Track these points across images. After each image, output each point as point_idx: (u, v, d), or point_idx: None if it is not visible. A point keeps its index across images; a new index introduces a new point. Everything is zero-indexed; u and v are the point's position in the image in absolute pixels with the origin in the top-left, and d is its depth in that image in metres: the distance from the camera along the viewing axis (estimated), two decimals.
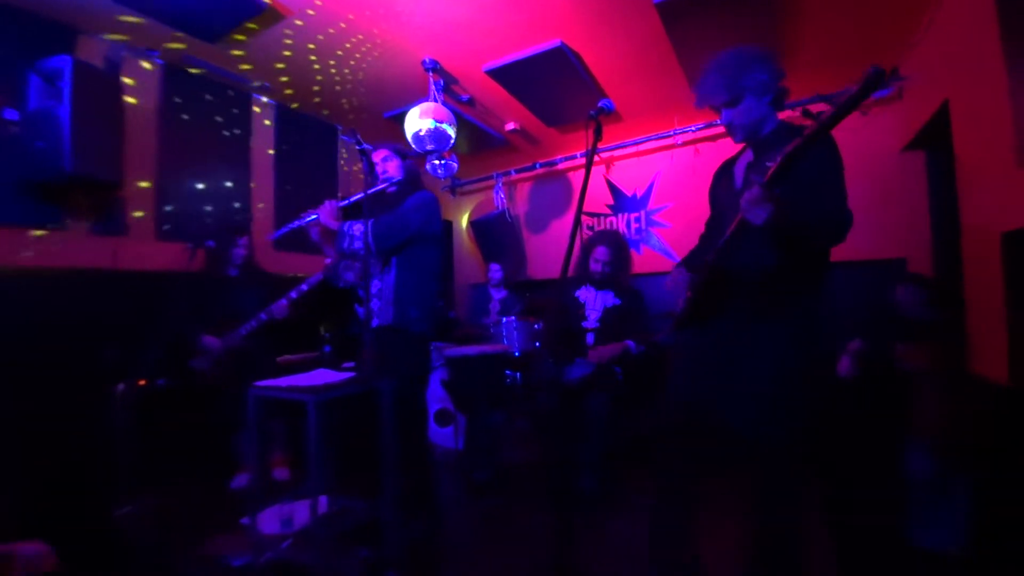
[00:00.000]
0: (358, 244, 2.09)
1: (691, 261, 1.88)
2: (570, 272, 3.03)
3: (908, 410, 2.13)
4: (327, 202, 2.13)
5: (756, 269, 1.53)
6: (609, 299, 3.02)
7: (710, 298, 1.65)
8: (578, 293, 3.10)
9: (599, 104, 1.51)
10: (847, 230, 1.43)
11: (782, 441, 1.52)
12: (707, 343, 1.71)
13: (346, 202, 2.16)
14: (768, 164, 1.38)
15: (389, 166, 2.29)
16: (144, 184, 2.82)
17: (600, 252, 3.04)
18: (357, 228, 2.11)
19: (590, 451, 2.60)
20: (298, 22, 2.56)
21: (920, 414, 2.09)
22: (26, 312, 2.36)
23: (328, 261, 2.41)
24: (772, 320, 1.52)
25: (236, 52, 2.82)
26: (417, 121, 2.88)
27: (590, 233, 4.62)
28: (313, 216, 2.14)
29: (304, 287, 2.80)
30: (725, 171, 1.78)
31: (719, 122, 1.59)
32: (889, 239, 3.28)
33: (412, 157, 2.39)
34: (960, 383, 2.11)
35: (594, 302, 3.03)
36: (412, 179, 2.31)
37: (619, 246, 3.11)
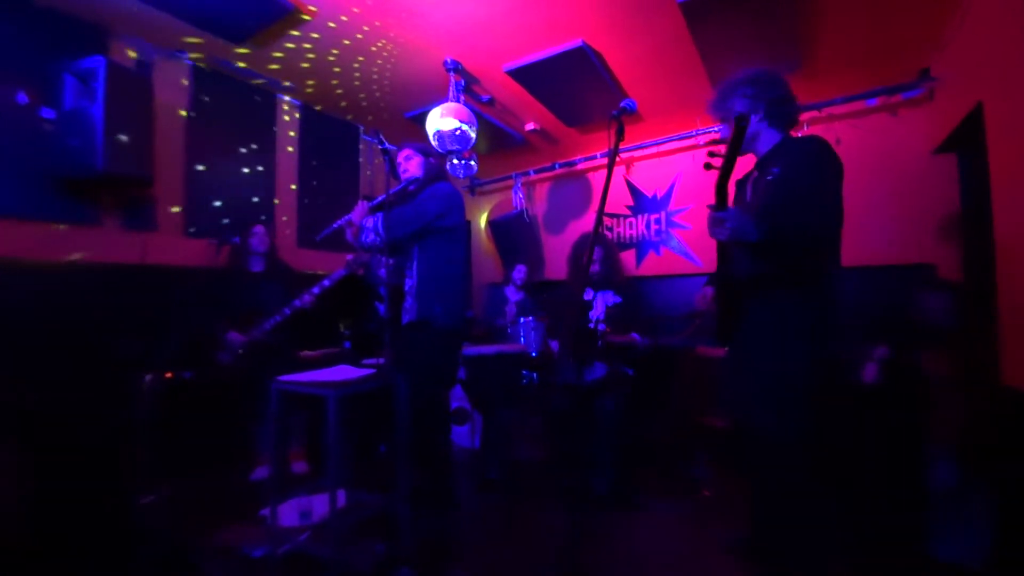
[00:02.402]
0: (368, 236, 2.14)
1: (715, 276, 1.96)
2: (571, 275, 3.06)
3: (932, 418, 2.08)
4: (360, 203, 2.18)
5: (752, 277, 1.65)
6: (609, 298, 3.01)
7: (726, 309, 1.75)
8: (584, 296, 3.10)
9: (621, 104, 1.51)
10: (830, 233, 1.54)
11: (778, 433, 1.60)
12: (731, 351, 1.85)
13: (375, 202, 2.20)
14: (768, 177, 1.59)
15: (411, 165, 2.33)
16: (172, 180, 2.90)
17: (594, 252, 3.03)
18: (370, 221, 2.16)
19: (602, 452, 2.61)
20: (326, 29, 2.60)
21: (944, 423, 2.04)
22: (58, 304, 2.44)
23: (349, 258, 2.45)
24: (768, 323, 1.61)
25: (262, 53, 2.87)
26: (438, 121, 2.90)
27: (609, 235, 4.61)
28: (348, 218, 2.19)
29: (327, 283, 2.85)
30: (740, 187, 1.89)
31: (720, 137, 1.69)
32: (918, 243, 3.20)
33: (434, 155, 2.41)
34: (986, 392, 2.05)
35: (597, 303, 3.02)
36: (434, 176, 2.32)
37: (607, 244, 3.12)
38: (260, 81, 3.22)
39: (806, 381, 1.58)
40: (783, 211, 1.49)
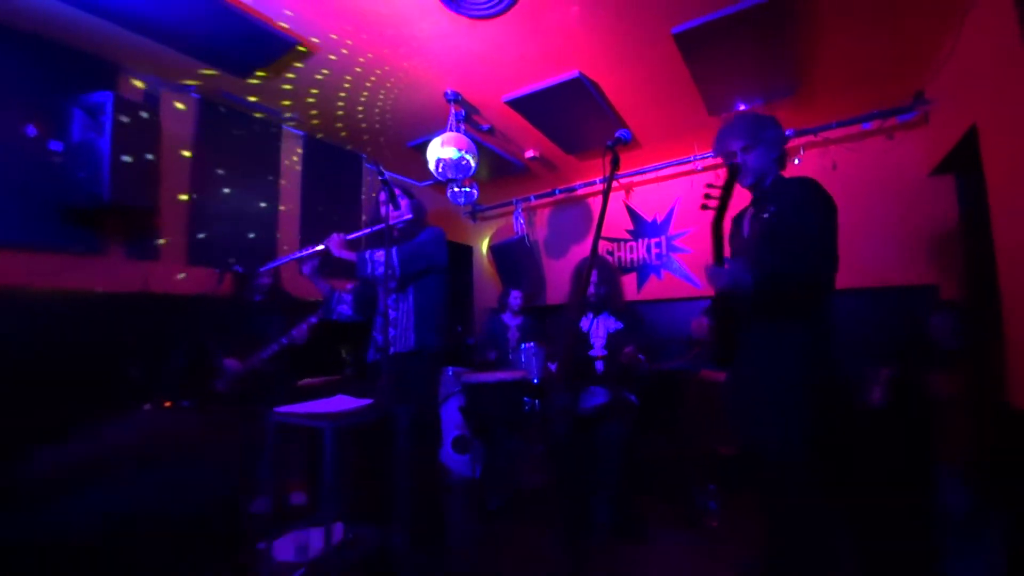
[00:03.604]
0: (379, 269, 2.18)
1: (712, 308, 2.00)
2: (571, 299, 3.06)
3: (940, 440, 2.04)
4: (334, 235, 2.25)
5: (748, 310, 1.72)
6: (611, 324, 2.99)
7: (725, 335, 1.79)
8: (581, 323, 3.07)
9: (616, 134, 1.53)
10: (825, 278, 1.62)
11: (782, 453, 1.62)
12: (731, 374, 1.90)
13: (353, 235, 2.27)
14: (764, 216, 1.70)
15: (402, 204, 2.41)
16: (177, 211, 2.93)
17: (592, 275, 3.03)
18: (378, 255, 2.20)
19: (605, 481, 2.55)
20: (328, 62, 2.67)
21: (953, 445, 2.00)
22: (62, 332, 2.44)
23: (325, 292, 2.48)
24: (772, 344, 1.68)
25: (266, 86, 2.94)
26: (439, 150, 2.94)
27: (610, 259, 4.62)
28: (321, 247, 2.25)
29: (314, 320, 2.84)
30: (737, 222, 1.97)
31: (735, 160, 1.82)
32: (920, 265, 3.19)
33: (416, 197, 2.53)
34: (995, 413, 2.01)
35: (597, 329, 3.00)
36: (420, 217, 2.45)
37: (606, 266, 3.12)
38: (264, 114, 3.29)
39: (807, 399, 1.61)
40: (781, 258, 1.60)
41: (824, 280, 1.61)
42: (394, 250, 2.19)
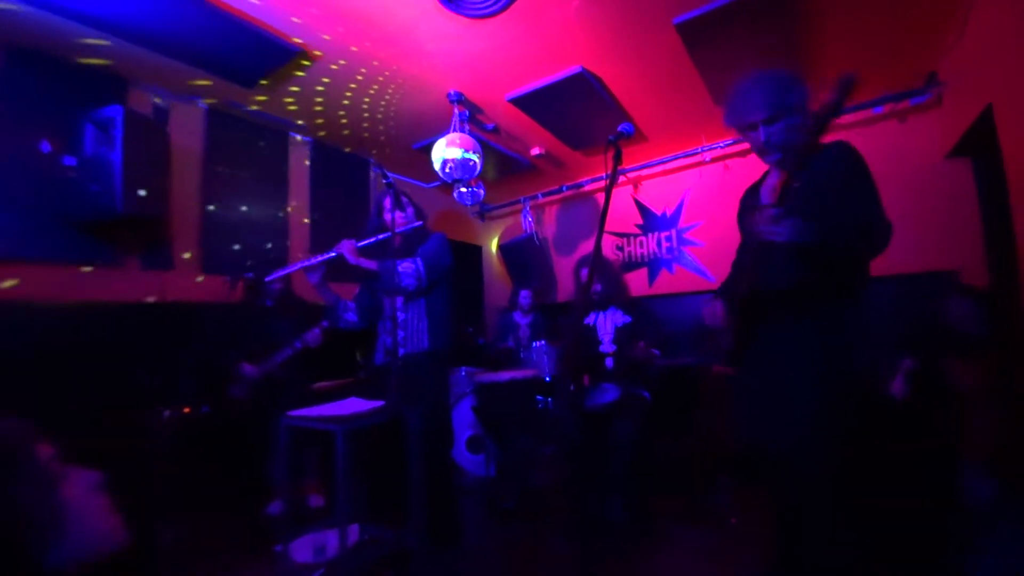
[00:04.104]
0: (409, 281, 2.19)
1: (726, 291, 1.82)
2: (575, 297, 3.03)
3: (964, 432, 1.98)
4: (346, 240, 2.20)
5: (787, 289, 1.51)
6: (618, 318, 2.96)
7: (749, 326, 1.63)
8: (587, 320, 3.06)
9: (618, 129, 1.49)
10: (885, 238, 1.40)
11: (818, 463, 1.47)
12: (753, 373, 1.68)
13: (365, 242, 2.24)
14: (795, 185, 1.41)
15: (408, 210, 2.44)
16: (188, 221, 2.98)
17: (593, 273, 3.00)
18: (405, 267, 2.20)
19: (618, 479, 2.53)
20: (331, 68, 2.69)
21: (976, 436, 1.94)
22: (82, 342, 2.50)
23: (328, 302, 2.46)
24: (808, 341, 1.48)
25: (273, 94, 2.97)
26: (444, 151, 2.95)
27: (620, 254, 4.59)
28: (333, 254, 2.20)
29: (325, 324, 2.87)
30: (751, 195, 1.77)
31: (758, 137, 1.56)
32: (938, 250, 3.12)
33: (416, 201, 2.53)
34: (1019, 402, 1.95)
35: (604, 324, 2.98)
36: (426, 222, 2.48)
37: (602, 263, 3.09)
38: (271, 122, 3.32)
39: (844, 401, 1.47)
40: (847, 210, 1.36)
41: (886, 239, 1.39)
42: (420, 261, 2.22)
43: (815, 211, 1.35)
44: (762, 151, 1.59)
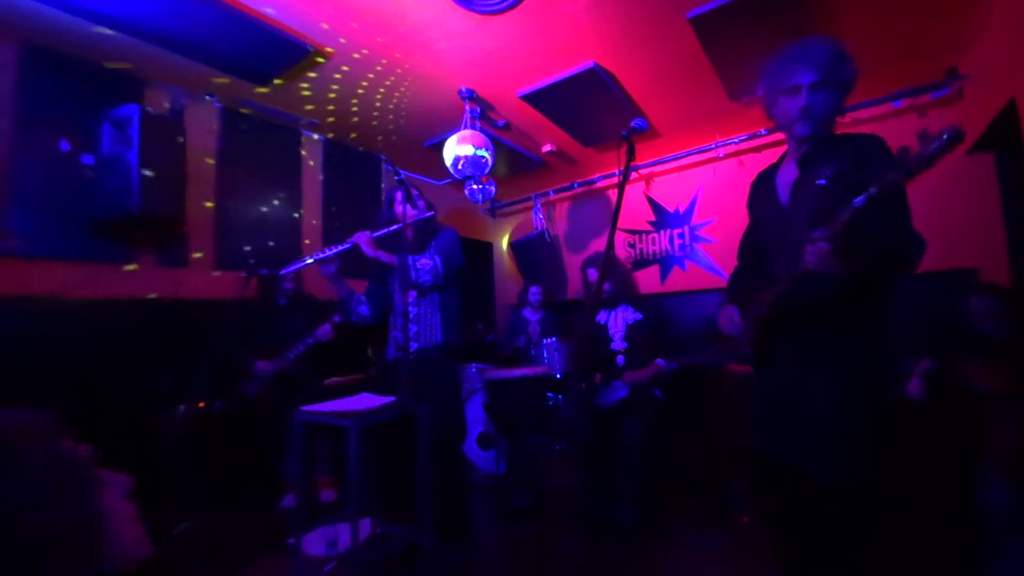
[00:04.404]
0: (426, 277, 2.20)
1: (735, 291, 1.76)
2: (585, 296, 3.00)
3: (984, 436, 1.94)
4: (362, 232, 2.21)
5: (818, 300, 1.42)
6: (629, 315, 2.94)
7: (775, 334, 1.53)
8: (598, 318, 3.04)
9: (631, 124, 1.45)
10: (918, 255, 1.34)
11: (853, 480, 1.38)
12: (778, 380, 1.56)
13: (380, 233, 2.24)
14: (819, 182, 1.35)
15: (419, 204, 2.42)
16: (203, 218, 3.02)
17: (594, 274, 2.99)
18: (423, 263, 2.21)
19: (627, 478, 2.52)
20: (344, 67, 2.70)
21: (996, 440, 1.89)
22: (98, 339, 2.55)
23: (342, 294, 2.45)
24: (838, 352, 1.40)
25: (286, 93, 2.99)
26: (455, 148, 2.95)
27: (631, 251, 4.57)
28: (348, 246, 2.20)
29: (337, 318, 2.88)
30: (764, 181, 1.68)
31: (797, 103, 1.44)
32: (958, 247, 3.04)
33: (426, 196, 2.51)
34: None
35: (615, 321, 2.96)
36: (436, 215, 2.47)
37: (609, 262, 3.05)
38: (284, 120, 3.35)
39: (878, 421, 1.39)
40: (883, 229, 1.27)
41: (918, 258, 1.33)
42: (438, 258, 2.24)
43: (848, 221, 1.20)
44: (793, 122, 1.46)
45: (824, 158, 1.42)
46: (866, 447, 1.37)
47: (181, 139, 2.72)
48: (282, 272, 2.38)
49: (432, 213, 2.36)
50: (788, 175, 1.55)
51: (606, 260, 1.47)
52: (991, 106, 2.51)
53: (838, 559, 1.46)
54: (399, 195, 2.31)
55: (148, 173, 2.44)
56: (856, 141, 1.41)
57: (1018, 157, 2.29)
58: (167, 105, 2.87)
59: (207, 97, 3.02)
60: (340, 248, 2.20)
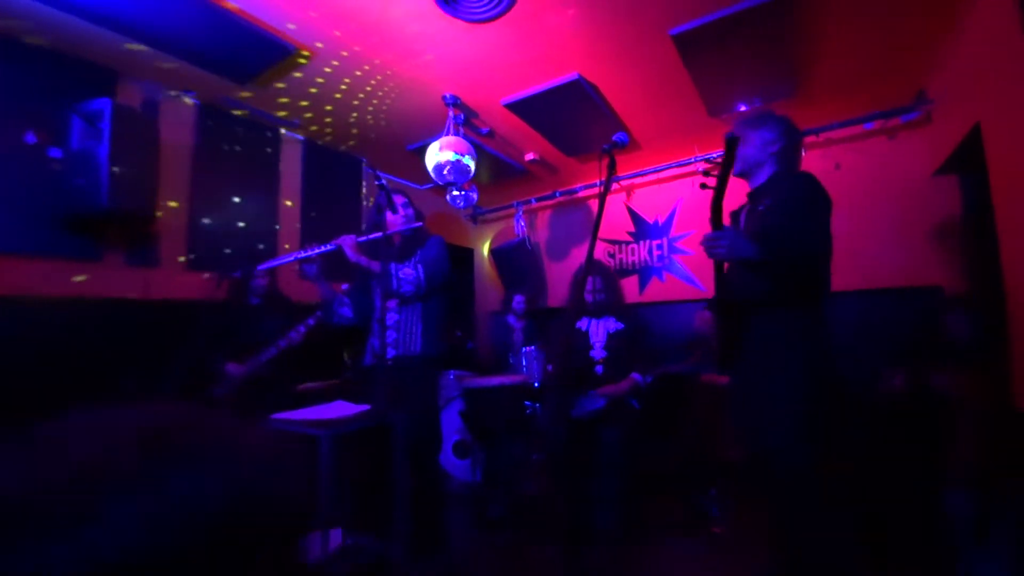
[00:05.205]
0: (408, 288, 2.18)
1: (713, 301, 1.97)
2: (570, 303, 3.03)
3: (948, 442, 2.01)
4: (347, 236, 2.18)
5: (749, 299, 1.69)
6: (611, 324, 2.96)
7: (732, 333, 1.74)
8: (579, 324, 3.05)
9: (612, 138, 1.51)
10: (821, 254, 1.59)
11: (792, 458, 1.58)
12: (735, 378, 1.85)
13: (366, 239, 2.21)
14: (759, 208, 1.69)
15: (409, 212, 2.43)
16: (176, 217, 2.93)
17: (590, 282, 3.01)
18: (406, 272, 2.19)
19: (606, 486, 2.52)
20: (327, 68, 2.67)
21: (960, 446, 1.96)
22: (62, 339, 2.44)
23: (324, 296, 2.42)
24: (775, 343, 1.63)
25: (266, 92, 2.94)
26: (438, 154, 2.93)
27: (611, 261, 4.60)
28: (331, 247, 2.18)
29: (311, 321, 2.83)
30: (735, 219, 1.94)
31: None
32: (924, 265, 3.16)
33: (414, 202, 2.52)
34: (1003, 417, 1.98)
35: (596, 330, 2.97)
36: (424, 223, 2.46)
37: (606, 274, 3.09)
38: (264, 119, 3.29)
39: (816, 401, 1.58)
40: (777, 231, 1.54)
41: (821, 252, 1.58)
42: (421, 268, 2.20)
43: (775, 224, 1.58)
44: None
45: (767, 192, 1.76)
46: (797, 430, 1.56)
47: (155, 135, 2.64)
48: (262, 267, 2.32)
49: (420, 224, 2.34)
50: (746, 208, 1.90)
51: (588, 270, 1.52)
52: (958, 130, 2.61)
53: (797, 544, 1.62)
54: (384, 201, 2.28)
55: (118, 169, 2.36)
56: (791, 179, 1.73)
57: (981, 179, 2.39)
58: (141, 100, 2.79)
59: (183, 93, 2.95)
60: (324, 249, 2.17)
